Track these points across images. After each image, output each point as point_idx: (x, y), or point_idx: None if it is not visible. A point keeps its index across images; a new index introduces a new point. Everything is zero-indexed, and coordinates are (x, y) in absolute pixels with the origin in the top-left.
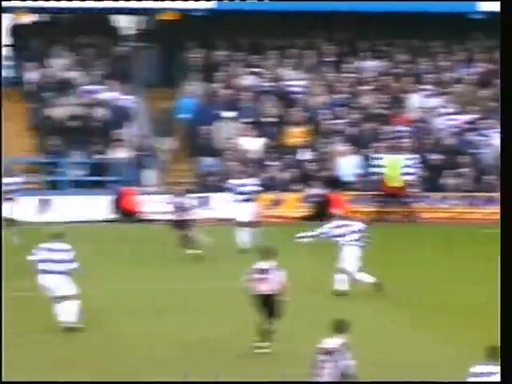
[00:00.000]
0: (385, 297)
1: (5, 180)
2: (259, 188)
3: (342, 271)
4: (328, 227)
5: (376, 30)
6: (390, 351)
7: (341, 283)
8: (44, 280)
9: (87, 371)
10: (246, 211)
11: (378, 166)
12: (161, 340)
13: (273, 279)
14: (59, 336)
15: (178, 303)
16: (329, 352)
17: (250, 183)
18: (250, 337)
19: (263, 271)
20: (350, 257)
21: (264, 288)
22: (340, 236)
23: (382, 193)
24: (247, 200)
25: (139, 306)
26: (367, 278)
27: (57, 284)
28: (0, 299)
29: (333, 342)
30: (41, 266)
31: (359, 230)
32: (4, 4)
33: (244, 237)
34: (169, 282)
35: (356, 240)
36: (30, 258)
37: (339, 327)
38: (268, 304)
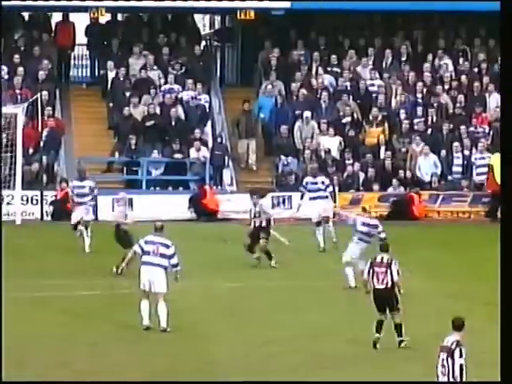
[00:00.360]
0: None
1: (76, 183)
2: (335, 187)
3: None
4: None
5: (454, 29)
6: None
7: None
8: (143, 272)
9: (166, 372)
10: (322, 210)
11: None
12: (243, 340)
13: (392, 272)
14: (142, 335)
15: (258, 302)
16: (449, 349)
17: (326, 182)
18: (332, 337)
19: (384, 264)
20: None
21: (385, 280)
22: (364, 233)
23: (489, 192)
24: (323, 198)
25: (219, 306)
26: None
27: (153, 278)
28: (0, 299)
29: (451, 339)
30: (143, 258)
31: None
32: (83, 3)
33: (321, 235)
34: (248, 281)
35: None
36: (133, 248)
37: (458, 325)
38: (389, 297)
